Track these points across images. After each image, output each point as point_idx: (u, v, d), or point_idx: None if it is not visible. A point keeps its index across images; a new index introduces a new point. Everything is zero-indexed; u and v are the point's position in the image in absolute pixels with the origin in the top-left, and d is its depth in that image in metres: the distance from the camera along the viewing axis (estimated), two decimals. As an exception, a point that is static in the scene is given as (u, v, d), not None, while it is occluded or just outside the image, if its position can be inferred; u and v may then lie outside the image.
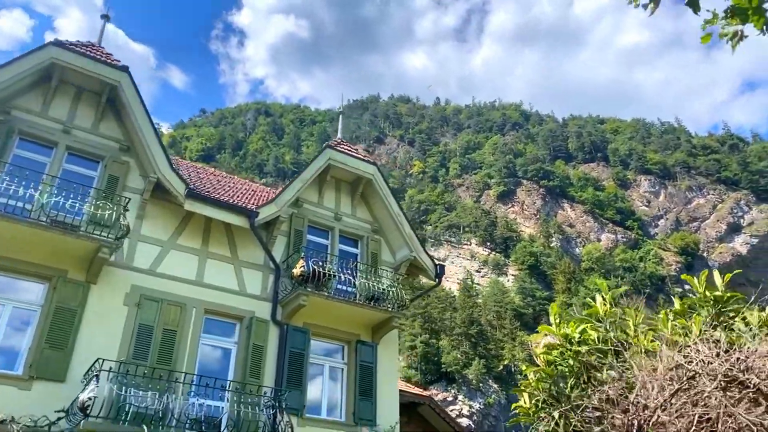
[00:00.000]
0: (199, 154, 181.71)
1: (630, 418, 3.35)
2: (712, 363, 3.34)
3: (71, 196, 11.26)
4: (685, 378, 3.40)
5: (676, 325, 4.22)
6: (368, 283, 13.91)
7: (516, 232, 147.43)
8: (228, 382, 11.68)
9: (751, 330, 3.94)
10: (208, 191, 13.61)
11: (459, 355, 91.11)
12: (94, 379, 9.62)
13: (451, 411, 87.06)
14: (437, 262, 15.66)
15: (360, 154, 15.83)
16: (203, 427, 10.66)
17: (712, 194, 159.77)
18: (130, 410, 9.76)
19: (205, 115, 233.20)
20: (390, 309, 13.68)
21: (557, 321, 4.65)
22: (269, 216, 13.32)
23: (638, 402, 3.37)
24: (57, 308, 10.88)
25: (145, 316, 11.61)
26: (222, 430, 10.94)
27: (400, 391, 25.24)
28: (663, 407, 3.30)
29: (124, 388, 9.89)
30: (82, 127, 12.79)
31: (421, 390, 28.60)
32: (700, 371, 3.37)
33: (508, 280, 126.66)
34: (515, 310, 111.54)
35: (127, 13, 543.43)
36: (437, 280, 15.59)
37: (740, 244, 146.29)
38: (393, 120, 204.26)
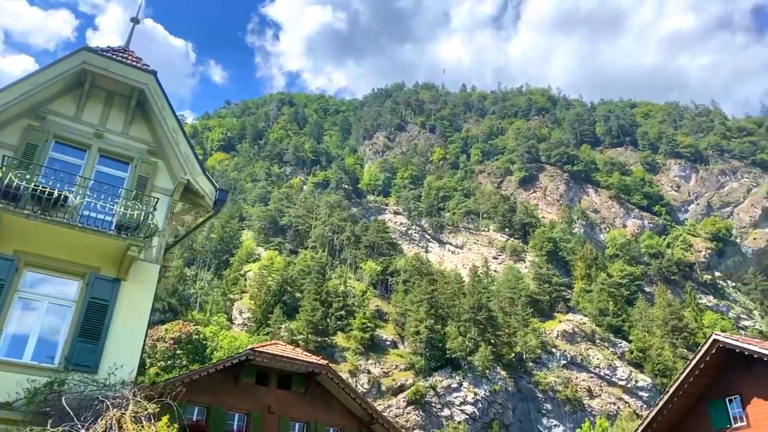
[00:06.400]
0: (220, 144, 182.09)
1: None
2: None
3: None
4: None
5: None
6: (123, 210, 11.69)
7: (536, 218, 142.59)
8: None
9: None
10: None
11: (467, 342, 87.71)
12: None
13: (455, 398, 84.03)
14: (219, 188, 13.20)
15: (139, 62, 13.51)
16: None
17: (747, 178, 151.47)
18: None
19: (229, 106, 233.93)
20: (127, 237, 11.35)
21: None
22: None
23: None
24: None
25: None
26: None
27: (297, 360, 22.91)
28: None
29: None
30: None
31: (318, 359, 26.45)
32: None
33: (525, 267, 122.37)
34: (529, 297, 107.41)
35: (165, 7, 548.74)
36: (215, 208, 13.25)
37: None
38: (415, 107, 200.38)
